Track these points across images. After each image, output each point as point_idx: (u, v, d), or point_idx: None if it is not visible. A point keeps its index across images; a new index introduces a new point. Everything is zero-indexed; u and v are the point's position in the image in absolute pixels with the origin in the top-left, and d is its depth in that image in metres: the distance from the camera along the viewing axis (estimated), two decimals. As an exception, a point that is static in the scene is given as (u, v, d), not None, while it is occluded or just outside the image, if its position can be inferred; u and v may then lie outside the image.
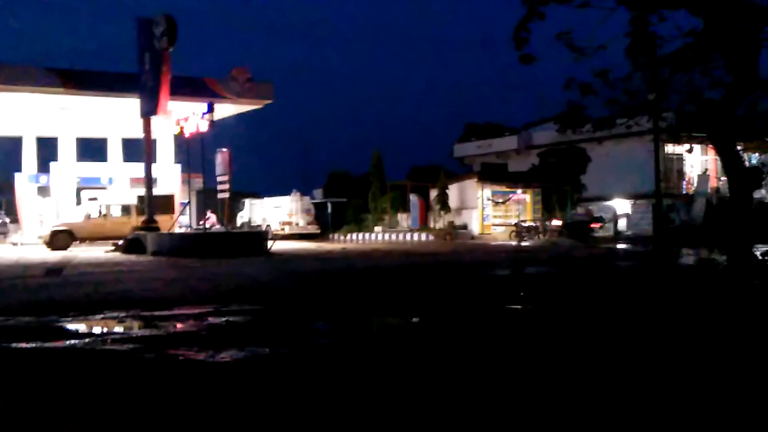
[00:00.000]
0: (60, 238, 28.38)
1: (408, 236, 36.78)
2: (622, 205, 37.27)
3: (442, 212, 37.57)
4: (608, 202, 37.30)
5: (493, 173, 39.39)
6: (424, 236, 36.08)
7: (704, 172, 37.09)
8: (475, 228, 36.43)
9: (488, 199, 37.03)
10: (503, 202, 37.36)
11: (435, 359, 5.67)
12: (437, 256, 21.40)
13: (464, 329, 7.20)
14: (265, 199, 43.72)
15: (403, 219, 40.74)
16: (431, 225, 38.29)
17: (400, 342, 6.58)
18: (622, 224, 36.44)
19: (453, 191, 37.83)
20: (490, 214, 37.02)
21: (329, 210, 44.42)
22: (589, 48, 11.72)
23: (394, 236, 37.47)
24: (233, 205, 38.27)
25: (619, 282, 12.25)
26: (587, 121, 13.62)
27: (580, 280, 12.85)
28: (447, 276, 14.30)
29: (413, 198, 39.97)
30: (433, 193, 38.62)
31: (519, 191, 37.77)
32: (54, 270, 15.78)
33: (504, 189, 37.56)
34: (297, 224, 39.96)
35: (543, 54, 11.86)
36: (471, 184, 37.50)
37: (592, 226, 32.25)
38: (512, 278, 13.35)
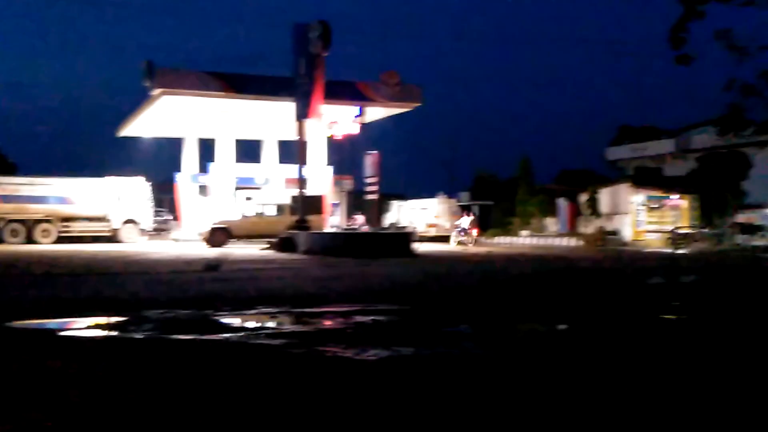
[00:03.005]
0: (218, 236, 29.73)
1: (556, 241, 36.15)
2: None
3: (592, 217, 36.67)
4: (771, 210, 35.22)
5: (648, 177, 38.08)
6: (572, 241, 35.36)
7: None
8: (627, 234, 35.33)
9: (642, 205, 35.80)
10: (658, 208, 36.00)
11: (581, 368, 5.56)
12: (587, 262, 20.90)
13: (615, 338, 7.00)
14: (412, 201, 44.17)
15: (551, 223, 40.08)
16: (580, 230, 37.46)
17: (546, 348, 6.48)
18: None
19: (604, 196, 36.85)
20: (643, 220, 35.77)
21: (475, 212, 44.30)
22: (751, 48, 11.22)
23: (541, 241, 36.93)
24: (380, 207, 38.88)
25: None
26: (750, 124, 13.03)
27: (743, 291, 12.23)
28: (597, 283, 13.96)
29: (562, 202, 39.23)
30: (583, 198, 37.77)
31: (675, 196, 36.29)
32: (212, 266, 16.51)
33: (659, 194, 36.20)
34: (443, 226, 40.11)
35: (703, 53, 11.42)
36: (624, 189, 36.38)
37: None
38: (666, 287, 12.90)
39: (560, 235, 37.40)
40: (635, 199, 35.63)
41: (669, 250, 28.58)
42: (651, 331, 7.56)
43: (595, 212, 36.43)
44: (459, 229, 35.08)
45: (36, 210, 35.16)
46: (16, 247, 30.68)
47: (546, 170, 71.84)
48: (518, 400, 4.49)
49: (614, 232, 35.41)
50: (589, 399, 4.52)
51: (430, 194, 42.09)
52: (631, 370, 5.41)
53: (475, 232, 35.33)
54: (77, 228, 35.93)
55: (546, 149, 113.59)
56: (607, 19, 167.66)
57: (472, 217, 36.71)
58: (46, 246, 32.35)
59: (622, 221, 35.90)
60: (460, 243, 33.42)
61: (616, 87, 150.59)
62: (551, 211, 39.96)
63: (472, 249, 30.27)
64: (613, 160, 48.78)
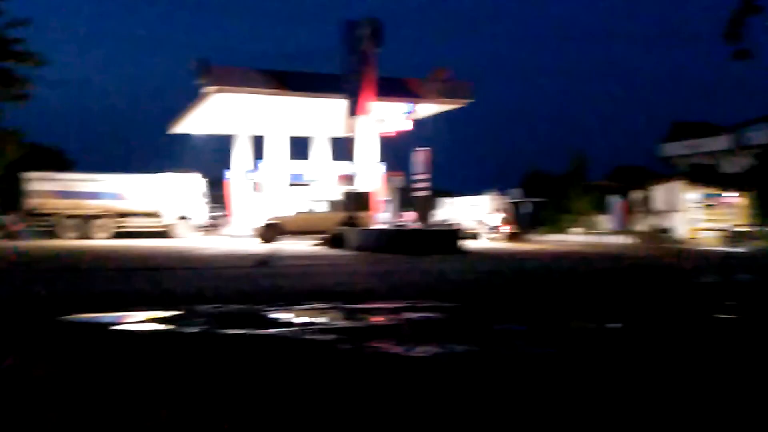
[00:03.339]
0: (270, 232, 30.01)
1: (608, 239, 35.70)
2: None
3: (645, 215, 36.12)
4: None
5: (703, 175, 37.37)
6: (625, 239, 34.88)
7: None
8: (681, 232, 34.72)
9: (697, 202, 35.14)
10: (713, 206, 35.30)
11: (635, 366, 5.47)
12: (640, 259, 20.61)
13: (668, 337, 6.88)
14: (461, 197, 43.98)
15: (604, 221, 39.62)
16: (633, 228, 36.93)
17: (598, 347, 6.40)
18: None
19: (658, 193, 36.26)
20: (698, 217, 35.12)
21: (527, 210, 43.93)
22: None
23: (593, 238, 36.52)
24: (430, 203, 38.80)
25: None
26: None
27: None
28: (649, 281, 13.75)
29: (614, 199, 38.76)
30: (636, 195, 37.24)
31: (731, 194, 35.55)
32: (263, 261, 16.68)
33: (714, 191, 35.50)
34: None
35: (762, 48, 11.15)
36: (677, 186, 35.76)
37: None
38: (721, 286, 12.66)
39: (613, 232, 36.93)
40: (690, 196, 35.00)
41: (724, 249, 28.02)
42: (707, 331, 7.41)
43: (648, 210, 35.85)
44: (489, 227, 35.25)
45: (91, 206, 35.88)
46: (72, 242, 31.34)
47: (599, 167, 70.97)
48: (573, 400, 4.44)
49: (668, 230, 34.83)
50: (641, 403, 4.45)
51: (480, 191, 41.88)
52: (690, 374, 5.32)
53: (506, 229, 35.57)
54: (131, 223, 36.59)
55: (599, 146, 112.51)
56: (662, 13, 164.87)
57: (503, 215, 36.90)
58: (101, 241, 32.99)
59: (676, 219, 35.30)
60: (492, 239, 33.57)
61: (670, 82, 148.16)
62: (604, 208, 39.50)
63: (522, 246, 30.06)
64: (667, 157, 47.98)
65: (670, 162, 47.53)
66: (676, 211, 35.41)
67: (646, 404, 4.34)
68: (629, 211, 38.00)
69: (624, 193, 38.56)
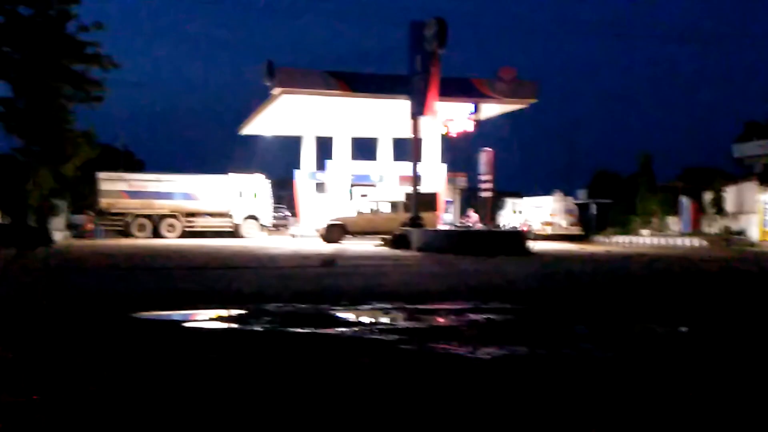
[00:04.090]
0: (334, 232, 30.27)
1: (678, 241, 34.98)
2: None
3: (716, 216, 35.29)
4: None
5: (776, 176, 36.33)
6: (695, 242, 34.13)
7: None
8: (753, 234, 33.80)
9: (770, 204, 34.15)
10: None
11: (705, 372, 5.37)
12: (711, 263, 20.14)
13: (740, 342, 6.71)
14: (527, 198, 43.63)
15: (673, 223, 38.83)
16: (704, 230, 36.10)
17: (667, 351, 6.28)
18: None
19: (730, 194, 35.40)
20: (771, 220, 34.11)
21: (593, 211, 43.33)
22: None
23: (662, 240, 35.83)
24: (495, 204, 38.63)
25: None
26: None
27: None
28: (721, 285, 13.44)
29: (685, 201, 37.95)
30: (707, 196, 36.41)
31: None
32: (328, 261, 16.84)
33: (788, 193, 34.44)
34: (559, 225, 39.49)
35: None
36: (750, 187, 34.84)
37: None
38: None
39: (683, 234, 36.17)
40: (763, 197, 34.05)
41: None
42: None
43: (719, 211, 35.02)
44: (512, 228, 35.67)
45: (162, 205, 36.69)
46: (143, 241, 32.09)
47: (669, 168, 69.65)
48: (639, 406, 4.39)
49: (740, 233, 33.95)
50: (712, 409, 4.37)
51: (547, 192, 41.46)
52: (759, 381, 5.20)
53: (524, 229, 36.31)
54: (200, 223, 37.30)
55: (669, 146, 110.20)
56: (733, 10, 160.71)
57: (524, 218, 37.51)
58: (171, 240, 33.71)
59: (748, 221, 34.38)
60: None
61: (743, 81, 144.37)
62: (674, 209, 38.70)
63: (588, 247, 29.71)
64: (740, 158, 46.75)
65: (743, 163, 46.30)
66: (748, 213, 34.50)
67: (714, 412, 4.27)
68: (700, 212, 37.18)
69: (694, 194, 37.73)
